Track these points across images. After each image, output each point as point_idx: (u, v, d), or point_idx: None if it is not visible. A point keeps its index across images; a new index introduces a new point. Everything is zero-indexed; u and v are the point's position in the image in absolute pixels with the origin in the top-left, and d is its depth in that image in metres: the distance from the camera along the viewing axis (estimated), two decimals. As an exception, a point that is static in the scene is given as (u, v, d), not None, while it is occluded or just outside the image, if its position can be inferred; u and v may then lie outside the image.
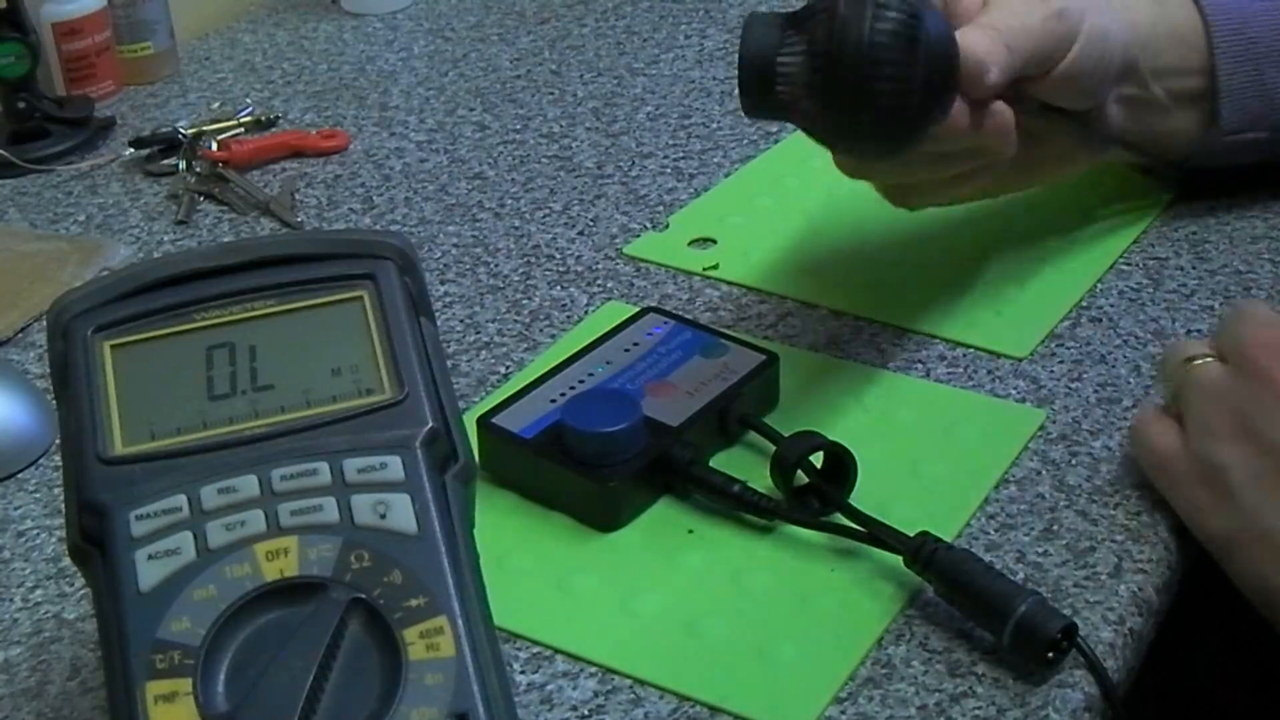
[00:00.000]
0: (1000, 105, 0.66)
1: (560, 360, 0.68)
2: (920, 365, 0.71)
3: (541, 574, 0.60)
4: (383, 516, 0.45)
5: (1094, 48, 0.70)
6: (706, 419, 0.65)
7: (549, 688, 0.56)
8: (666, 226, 0.85)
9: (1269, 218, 0.81)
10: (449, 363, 0.67)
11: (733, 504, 0.62)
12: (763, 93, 0.62)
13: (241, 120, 1.01)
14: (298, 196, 0.92)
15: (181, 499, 0.45)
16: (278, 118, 1.02)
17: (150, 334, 0.50)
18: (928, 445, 0.64)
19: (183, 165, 0.96)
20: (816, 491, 0.62)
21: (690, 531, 0.62)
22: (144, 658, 0.43)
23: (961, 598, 0.56)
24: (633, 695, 0.55)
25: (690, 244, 0.83)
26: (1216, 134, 0.77)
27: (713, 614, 0.58)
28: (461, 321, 0.78)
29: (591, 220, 0.87)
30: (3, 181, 0.97)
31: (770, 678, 0.55)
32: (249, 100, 1.06)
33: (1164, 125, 0.77)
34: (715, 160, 0.93)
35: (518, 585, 0.60)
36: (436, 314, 0.67)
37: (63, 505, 0.48)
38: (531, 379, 0.67)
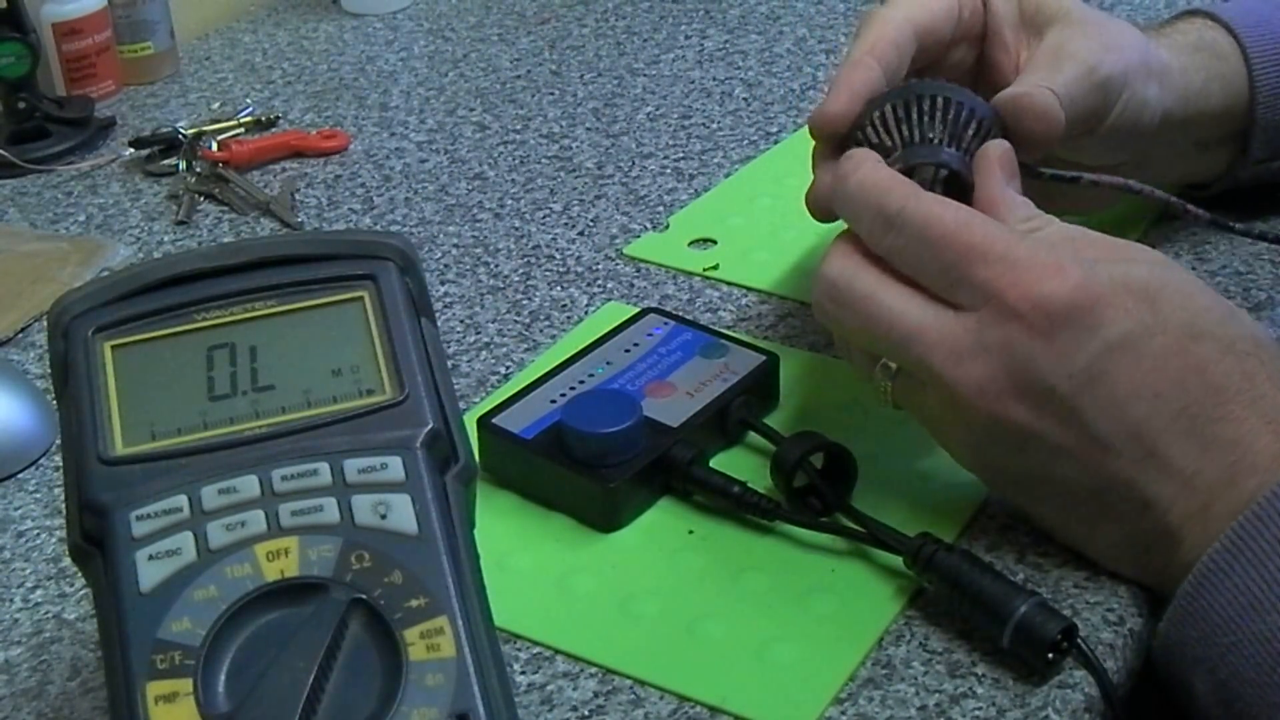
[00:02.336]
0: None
1: (560, 361, 0.68)
2: (920, 366, 0.71)
3: (542, 575, 0.60)
4: (383, 517, 0.45)
5: (1130, 115, 0.69)
6: (706, 419, 0.65)
7: (549, 688, 0.56)
8: (666, 227, 0.85)
9: (1269, 218, 0.81)
10: (449, 363, 0.67)
11: (733, 504, 0.62)
12: None
13: (241, 120, 1.02)
14: (298, 196, 0.92)
15: (182, 499, 0.45)
16: (278, 118, 1.02)
17: (151, 334, 0.50)
18: (928, 446, 0.64)
19: (183, 165, 0.96)
20: (817, 492, 0.62)
21: (690, 532, 0.62)
22: (144, 658, 0.43)
23: (961, 599, 0.56)
24: (633, 696, 0.55)
25: (690, 244, 0.83)
26: (1244, 164, 0.77)
27: (713, 614, 0.58)
28: (461, 322, 0.78)
29: (591, 220, 0.87)
30: (3, 181, 0.97)
31: (771, 678, 0.55)
32: (249, 100, 1.06)
33: (1193, 165, 0.77)
34: (715, 160, 0.93)
35: (518, 586, 0.60)
36: (437, 314, 0.67)
37: (63, 505, 0.49)
38: (532, 379, 0.67)
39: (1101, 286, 0.55)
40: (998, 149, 0.62)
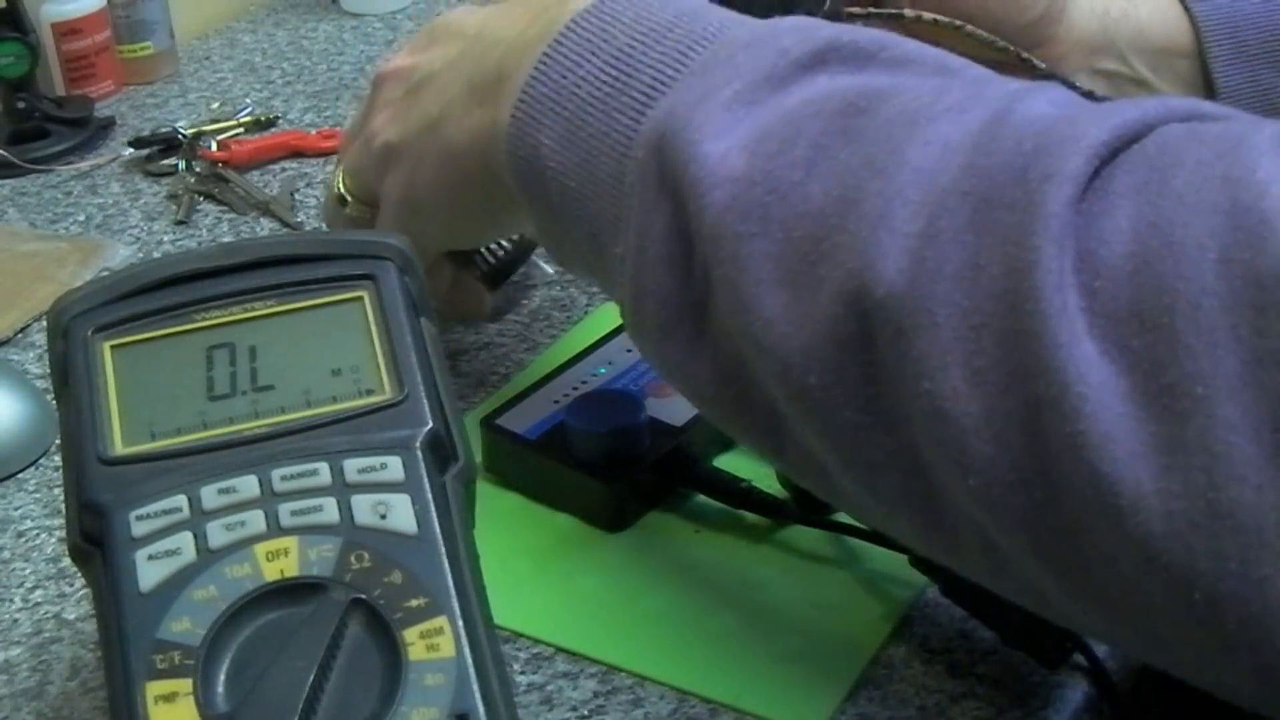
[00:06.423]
0: None
1: (562, 361, 0.68)
2: (921, 365, 0.71)
3: (548, 575, 0.60)
4: (383, 517, 0.45)
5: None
6: (708, 419, 0.65)
7: (549, 688, 0.55)
8: (667, 226, 0.85)
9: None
10: (449, 363, 0.67)
11: (738, 503, 0.62)
12: None
13: (241, 120, 1.02)
14: (298, 196, 0.92)
15: (181, 499, 0.45)
16: (278, 118, 1.02)
17: (150, 334, 0.50)
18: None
19: (182, 165, 0.96)
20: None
21: (696, 531, 0.62)
22: (144, 658, 0.43)
23: (966, 596, 0.56)
24: (633, 695, 0.55)
25: (690, 244, 0.83)
26: None
27: (722, 613, 0.58)
28: (461, 322, 0.78)
29: (592, 220, 0.86)
30: (3, 181, 0.97)
31: (783, 676, 0.55)
32: (249, 100, 1.06)
33: None
34: (715, 160, 0.92)
35: (524, 587, 0.60)
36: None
37: (63, 505, 0.48)
38: (532, 380, 0.67)
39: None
40: None
